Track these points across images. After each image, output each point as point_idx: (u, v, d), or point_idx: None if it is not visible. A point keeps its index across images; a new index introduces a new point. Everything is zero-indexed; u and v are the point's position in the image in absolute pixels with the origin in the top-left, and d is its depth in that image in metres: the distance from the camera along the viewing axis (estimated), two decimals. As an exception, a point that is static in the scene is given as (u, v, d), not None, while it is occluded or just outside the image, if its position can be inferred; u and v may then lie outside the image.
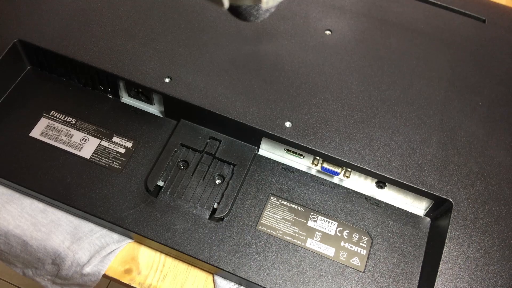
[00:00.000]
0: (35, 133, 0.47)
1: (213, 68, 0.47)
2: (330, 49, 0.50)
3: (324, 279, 0.41)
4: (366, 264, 0.42)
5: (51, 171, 0.44)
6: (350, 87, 0.48)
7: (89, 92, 0.50)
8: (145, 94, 0.48)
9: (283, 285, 0.41)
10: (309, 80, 0.48)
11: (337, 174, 0.45)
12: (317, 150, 0.43)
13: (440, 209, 0.43)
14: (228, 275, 0.42)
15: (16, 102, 0.48)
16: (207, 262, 0.41)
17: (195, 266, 0.45)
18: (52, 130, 0.47)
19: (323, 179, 0.46)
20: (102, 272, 0.44)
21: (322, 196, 0.45)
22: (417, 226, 0.44)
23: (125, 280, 0.44)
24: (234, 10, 0.32)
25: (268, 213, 0.44)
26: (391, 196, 0.46)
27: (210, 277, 0.44)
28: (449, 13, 0.57)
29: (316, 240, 0.43)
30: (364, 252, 0.43)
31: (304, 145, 0.43)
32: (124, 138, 0.47)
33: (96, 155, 0.46)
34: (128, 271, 0.44)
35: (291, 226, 0.43)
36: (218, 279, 0.44)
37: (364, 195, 0.46)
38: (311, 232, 0.43)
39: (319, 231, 0.43)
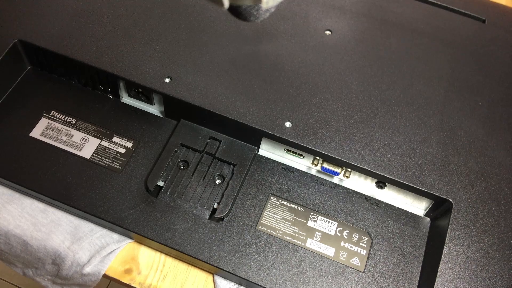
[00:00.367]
0: (35, 133, 0.47)
1: (213, 68, 0.47)
2: (330, 49, 0.50)
3: (324, 279, 0.41)
4: (366, 264, 0.42)
5: (51, 171, 0.44)
6: (350, 87, 0.48)
7: (89, 92, 0.50)
8: (145, 94, 0.48)
9: (283, 285, 0.41)
10: (309, 80, 0.48)
11: (337, 174, 0.45)
12: (317, 150, 0.43)
13: (440, 209, 0.43)
14: (228, 275, 0.42)
15: (16, 102, 0.48)
16: (207, 262, 0.41)
17: (195, 266, 0.45)
18: (52, 130, 0.47)
19: (323, 179, 0.46)
20: (102, 272, 0.44)
21: (322, 196, 0.45)
22: (417, 226, 0.44)
23: (125, 280, 0.44)
24: (234, 10, 0.32)
25: (268, 213, 0.44)
26: (391, 196, 0.46)
27: (210, 277, 0.44)
28: (449, 13, 0.57)
29: (316, 240, 0.43)
30: (364, 252, 0.43)
31: (304, 145, 0.44)
32: (124, 138, 0.47)
33: (96, 155, 0.46)
34: (128, 271, 0.44)
35: (291, 226, 0.43)
36: (218, 279, 0.44)
37: (364, 195, 0.46)
38: (311, 232, 0.43)
39: (319, 231, 0.43)
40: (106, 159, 0.46)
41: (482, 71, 0.51)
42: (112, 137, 0.47)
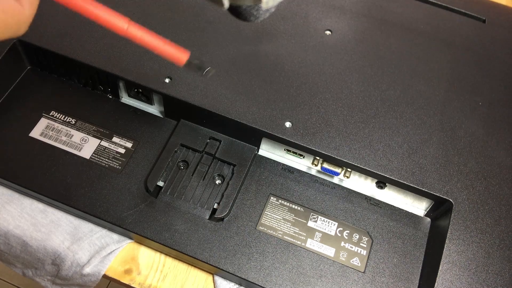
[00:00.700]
0: (35, 133, 0.47)
1: (213, 68, 0.47)
2: (330, 49, 0.50)
3: (324, 279, 0.41)
4: (366, 264, 0.42)
5: (51, 171, 0.44)
6: (350, 87, 0.48)
7: (89, 92, 0.50)
8: (145, 94, 0.48)
9: (283, 285, 0.41)
10: (309, 80, 0.48)
11: (337, 174, 0.45)
12: (317, 150, 0.43)
13: (440, 209, 0.43)
14: (228, 275, 0.42)
15: (16, 102, 0.48)
16: (207, 262, 0.41)
17: (195, 266, 0.45)
18: (52, 130, 0.47)
19: (323, 179, 0.46)
20: (102, 273, 0.44)
21: (322, 196, 0.45)
22: (417, 226, 0.44)
23: (125, 280, 0.44)
24: (234, 10, 0.32)
25: (268, 213, 0.44)
26: (391, 196, 0.46)
27: (210, 277, 0.44)
28: (449, 13, 0.57)
29: (316, 240, 0.43)
30: (364, 252, 0.43)
31: (304, 145, 0.43)
32: (124, 138, 0.47)
33: (96, 155, 0.46)
34: (128, 271, 0.44)
35: (291, 226, 0.43)
36: (218, 279, 0.44)
37: (364, 195, 0.46)
38: (311, 232, 0.43)
39: (319, 231, 0.43)
40: (106, 159, 0.46)
41: (482, 71, 0.51)
42: (112, 137, 0.47)
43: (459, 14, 0.57)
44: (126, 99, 0.50)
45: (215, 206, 0.44)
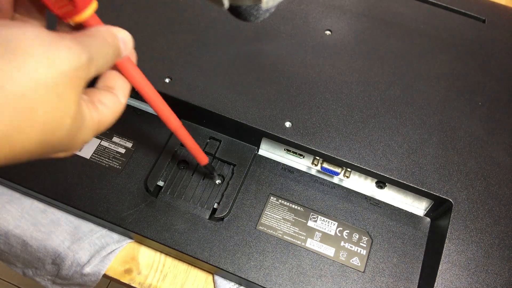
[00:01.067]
0: (35, 133, 0.46)
1: (213, 68, 0.47)
2: (330, 49, 0.50)
3: (324, 279, 0.41)
4: (366, 264, 0.42)
5: (51, 171, 0.44)
6: (350, 87, 0.48)
7: (89, 92, 0.50)
8: (145, 94, 0.48)
9: (283, 285, 0.41)
10: (309, 80, 0.48)
11: (337, 174, 0.45)
12: (317, 150, 0.43)
13: (440, 209, 0.43)
14: (228, 275, 0.42)
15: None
16: (207, 262, 0.41)
17: (195, 266, 0.45)
18: (52, 130, 0.47)
19: (323, 179, 0.46)
20: (102, 272, 0.44)
21: (322, 196, 0.45)
22: (417, 226, 0.44)
23: (125, 280, 0.44)
24: (234, 10, 0.32)
25: (268, 213, 0.44)
26: (391, 196, 0.46)
27: (210, 277, 0.44)
28: (449, 13, 0.57)
29: (316, 240, 0.43)
30: (364, 252, 0.43)
31: (304, 145, 0.44)
32: (124, 138, 0.47)
33: (96, 155, 0.46)
34: (128, 271, 0.44)
35: (291, 226, 0.43)
36: (218, 279, 0.44)
37: (364, 195, 0.46)
38: (311, 232, 0.43)
39: (319, 231, 0.43)
40: (106, 159, 0.46)
41: (482, 71, 0.51)
42: (112, 137, 0.47)
43: (459, 14, 0.57)
44: (126, 99, 0.50)
45: (215, 206, 0.44)
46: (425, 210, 0.45)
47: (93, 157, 0.46)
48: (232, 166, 0.45)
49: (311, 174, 0.46)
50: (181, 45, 0.49)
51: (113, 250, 0.44)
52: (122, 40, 0.27)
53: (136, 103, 0.50)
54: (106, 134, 0.47)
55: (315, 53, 0.50)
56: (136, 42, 0.51)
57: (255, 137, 0.46)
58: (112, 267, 0.44)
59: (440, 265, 0.40)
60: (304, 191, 0.45)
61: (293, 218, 0.44)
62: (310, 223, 0.44)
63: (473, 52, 0.53)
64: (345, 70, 0.49)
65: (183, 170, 0.45)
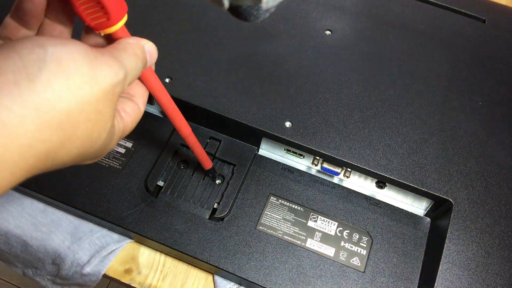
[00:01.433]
0: (35, 133, 0.46)
1: (213, 68, 0.47)
2: (330, 49, 0.50)
3: (324, 279, 0.41)
4: (366, 264, 0.42)
5: (51, 171, 0.44)
6: (350, 87, 0.48)
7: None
8: (145, 94, 0.48)
9: (283, 285, 0.41)
10: (309, 80, 0.48)
11: (337, 174, 0.45)
12: (317, 150, 0.43)
13: (440, 209, 0.43)
14: (228, 275, 0.42)
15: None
16: (207, 262, 0.41)
17: (195, 266, 0.45)
18: (52, 130, 0.47)
19: (323, 179, 0.46)
20: (102, 272, 0.44)
21: (322, 196, 0.45)
22: (417, 226, 0.44)
23: (125, 280, 0.44)
24: (234, 10, 0.32)
25: (268, 213, 0.44)
26: (391, 196, 0.46)
27: (210, 277, 0.44)
28: (449, 13, 0.57)
29: (316, 240, 0.43)
30: (364, 252, 0.43)
31: (304, 145, 0.44)
32: (124, 138, 0.47)
33: (96, 155, 0.46)
34: (128, 271, 0.44)
35: (291, 226, 0.43)
36: (218, 279, 0.44)
37: (364, 195, 0.46)
38: (311, 232, 0.43)
39: (319, 231, 0.43)
40: (106, 159, 0.46)
41: (482, 71, 0.51)
42: (112, 137, 0.47)
43: (459, 14, 0.57)
44: (126, 99, 0.50)
45: (215, 206, 0.44)
46: (425, 210, 0.45)
47: (93, 157, 0.46)
48: (232, 166, 0.45)
49: (311, 174, 0.46)
50: (181, 45, 0.49)
51: (113, 250, 0.44)
52: (149, 51, 0.28)
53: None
54: (106, 134, 0.47)
55: (315, 53, 0.50)
56: (136, 42, 0.51)
57: (255, 137, 0.46)
58: (112, 267, 0.44)
59: (440, 265, 0.40)
60: (304, 191, 0.45)
61: (293, 218, 0.44)
62: (310, 223, 0.44)
63: (473, 52, 0.53)
64: (345, 70, 0.49)
65: (183, 170, 0.45)
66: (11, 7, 0.26)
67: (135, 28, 0.49)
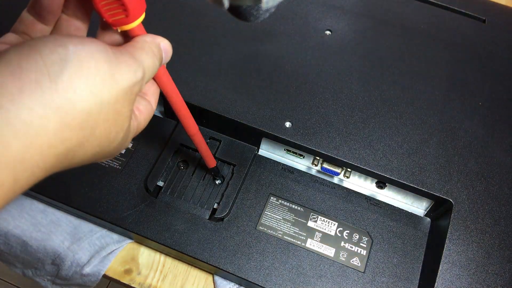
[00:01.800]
0: (35, 133, 0.46)
1: (213, 68, 0.47)
2: (330, 49, 0.50)
3: (324, 279, 0.41)
4: (366, 264, 0.42)
5: (51, 171, 0.44)
6: (350, 87, 0.48)
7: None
8: (145, 94, 0.48)
9: (283, 285, 0.41)
10: (309, 80, 0.48)
11: (337, 174, 0.45)
12: (317, 150, 0.43)
13: (440, 209, 0.43)
14: (228, 275, 0.42)
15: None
16: (207, 262, 0.41)
17: (195, 266, 0.45)
18: (52, 130, 0.47)
19: (323, 179, 0.46)
20: (102, 272, 0.44)
21: (322, 196, 0.45)
22: (417, 226, 0.44)
23: (125, 280, 0.44)
24: (234, 10, 0.31)
25: (268, 213, 0.44)
26: (391, 196, 0.46)
27: (210, 277, 0.44)
28: (449, 13, 0.57)
29: (316, 240, 0.43)
30: (364, 252, 0.43)
31: (304, 145, 0.43)
32: (124, 138, 0.47)
33: (96, 155, 0.46)
34: (128, 271, 0.44)
35: (291, 226, 0.43)
36: (218, 279, 0.44)
37: (364, 195, 0.46)
38: (311, 232, 0.43)
39: (319, 231, 0.43)
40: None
41: (482, 71, 0.51)
42: (112, 137, 0.47)
43: (459, 14, 0.57)
44: (126, 99, 0.50)
45: (215, 206, 0.44)
46: (425, 210, 0.45)
47: (93, 157, 0.46)
48: (232, 166, 0.45)
49: (311, 174, 0.46)
50: (181, 45, 0.49)
51: (113, 251, 0.44)
52: (164, 49, 0.28)
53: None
54: (106, 134, 0.47)
55: (315, 53, 0.50)
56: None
57: (255, 137, 0.46)
58: (112, 267, 0.44)
59: (440, 265, 0.40)
60: (304, 191, 0.45)
61: (293, 218, 0.44)
62: (310, 223, 0.44)
63: (473, 52, 0.53)
64: (345, 70, 0.49)
65: (183, 170, 0.45)
66: (27, 2, 0.26)
67: (135, 28, 0.49)
